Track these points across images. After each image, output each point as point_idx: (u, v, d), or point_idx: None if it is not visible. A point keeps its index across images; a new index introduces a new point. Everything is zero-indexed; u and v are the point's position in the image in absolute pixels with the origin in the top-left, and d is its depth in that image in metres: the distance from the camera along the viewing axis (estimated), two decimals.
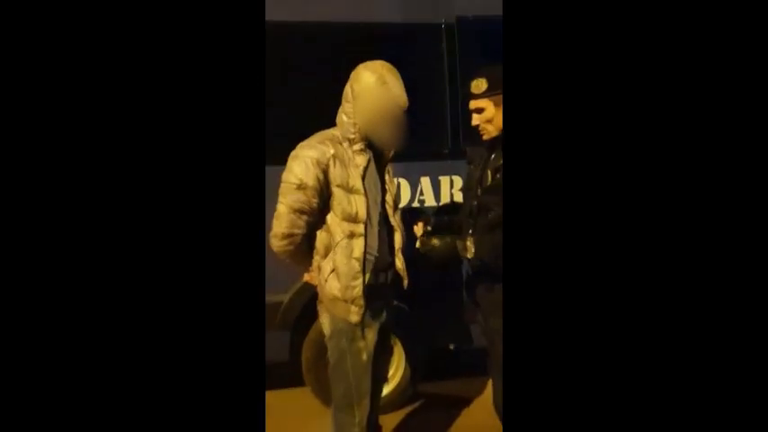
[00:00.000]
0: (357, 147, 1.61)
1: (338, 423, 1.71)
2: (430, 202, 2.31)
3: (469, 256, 1.65)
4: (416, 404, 2.48)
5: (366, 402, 1.72)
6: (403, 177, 2.28)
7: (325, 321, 1.69)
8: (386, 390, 2.41)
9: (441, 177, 2.31)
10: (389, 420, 2.33)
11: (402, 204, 2.27)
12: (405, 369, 2.42)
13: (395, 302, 2.30)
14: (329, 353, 1.70)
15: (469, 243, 1.64)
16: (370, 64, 1.59)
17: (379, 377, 1.89)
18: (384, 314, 1.74)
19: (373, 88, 1.55)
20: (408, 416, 2.41)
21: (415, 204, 2.31)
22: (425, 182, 2.31)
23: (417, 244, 1.79)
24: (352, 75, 1.59)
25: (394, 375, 2.45)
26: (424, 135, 2.21)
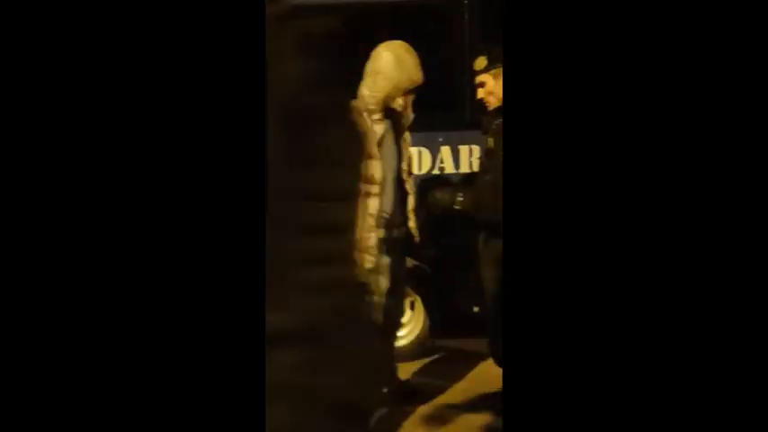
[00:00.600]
0: (376, 117, 1.82)
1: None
2: (450, 170, 2.48)
3: (458, 207, 1.86)
4: (434, 356, 2.69)
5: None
6: (424, 147, 2.46)
7: None
8: (404, 341, 2.66)
9: (460, 147, 2.47)
10: (407, 368, 2.56)
11: (423, 171, 2.46)
12: (424, 324, 2.64)
13: (418, 263, 2.55)
14: None
15: (460, 198, 1.85)
16: (390, 44, 1.80)
17: (392, 321, 2.14)
18: (396, 266, 1.97)
19: (392, 66, 1.75)
20: (425, 366, 2.64)
21: (435, 172, 2.49)
22: (446, 150, 2.48)
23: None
24: (373, 53, 1.80)
25: (413, 329, 2.68)
26: (445, 106, 2.37)
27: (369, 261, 1.85)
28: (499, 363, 1.96)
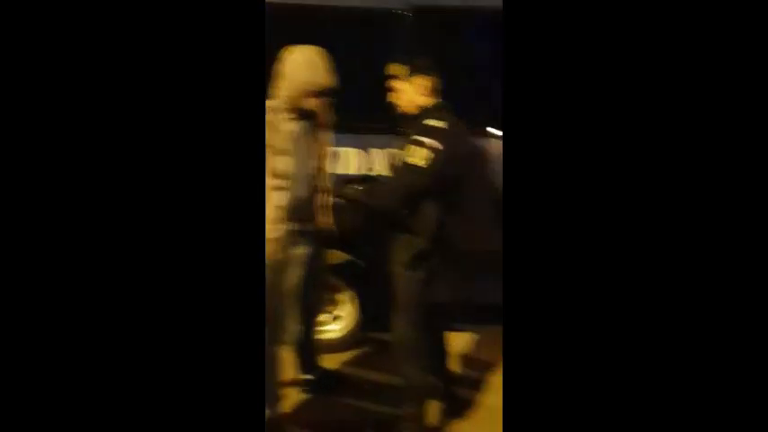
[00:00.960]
0: (287, 116, 1.96)
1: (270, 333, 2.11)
2: (379, 170, 2.63)
3: (356, 197, 2.07)
4: (364, 348, 2.82)
5: (284, 325, 2.16)
6: (355, 148, 2.62)
7: None
8: (336, 333, 2.80)
9: (389, 149, 2.62)
10: (336, 358, 2.69)
11: (352, 171, 2.62)
12: (357, 318, 2.78)
13: (352, 259, 2.69)
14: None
15: (358, 188, 2.07)
16: (298, 47, 1.95)
17: (309, 310, 2.31)
18: (306, 257, 2.12)
19: (298, 69, 1.90)
20: (354, 357, 2.77)
21: (363, 172, 2.65)
22: (375, 153, 2.63)
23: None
24: (283, 55, 1.95)
25: (347, 323, 2.81)
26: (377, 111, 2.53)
27: (275, 252, 2.00)
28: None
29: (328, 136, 2.18)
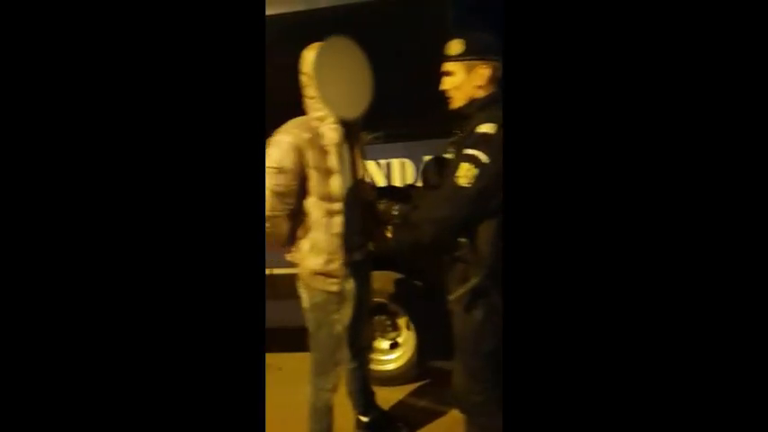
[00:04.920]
0: (329, 122, 1.68)
1: (314, 386, 1.86)
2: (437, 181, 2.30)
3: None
4: (425, 381, 2.52)
5: (339, 369, 1.87)
6: (407, 158, 2.30)
7: (303, 295, 1.81)
8: (393, 364, 2.51)
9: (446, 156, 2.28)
10: (394, 393, 2.41)
11: (407, 183, 2.29)
12: (414, 346, 2.47)
13: (407, 278, 2.39)
14: (307, 323, 1.82)
15: (395, 210, 1.73)
16: (315, 45, 1.65)
17: (361, 346, 2.03)
18: (359, 291, 1.83)
19: (321, 62, 1.60)
20: (415, 390, 2.47)
21: (419, 183, 2.31)
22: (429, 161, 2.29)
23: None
24: (301, 61, 1.67)
25: (405, 351, 2.52)
26: (424, 114, 2.20)
27: (335, 284, 1.74)
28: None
29: (360, 148, 1.87)
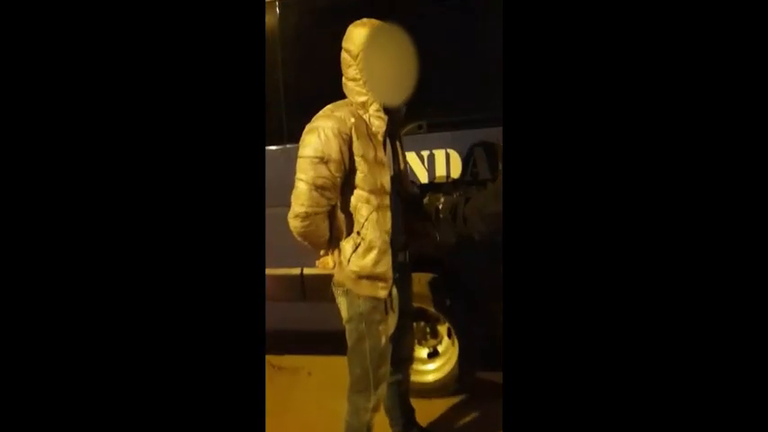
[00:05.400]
0: (373, 108, 1.46)
1: (352, 404, 1.65)
2: (486, 174, 2.06)
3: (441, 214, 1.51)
4: (467, 394, 2.30)
5: (383, 387, 1.65)
6: (452, 149, 2.07)
7: (342, 304, 1.61)
8: (432, 375, 2.30)
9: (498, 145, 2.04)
10: (434, 407, 2.20)
11: (454, 177, 2.07)
12: (457, 356, 2.25)
13: (456, 284, 2.17)
14: (347, 335, 1.62)
15: (440, 204, 1.53)
16: (359, 22, 1.45)
17: (404, 358, 1.81)
18: (402, 296, 1.63)
19: (371, 43, 1.39)
20: (458, 404, 2.26)
21: (468, 178, 2.08)
22: (479, 153, 2.05)
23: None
24: (345, 37, 1.45)
25: (445, 358, 2.30)
26: (471, 99, 1.97)
27: (383, 289, 1.54)
28: None
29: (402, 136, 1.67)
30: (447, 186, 1.83)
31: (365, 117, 1.48)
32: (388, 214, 1.51)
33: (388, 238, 1.51)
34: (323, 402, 2.27)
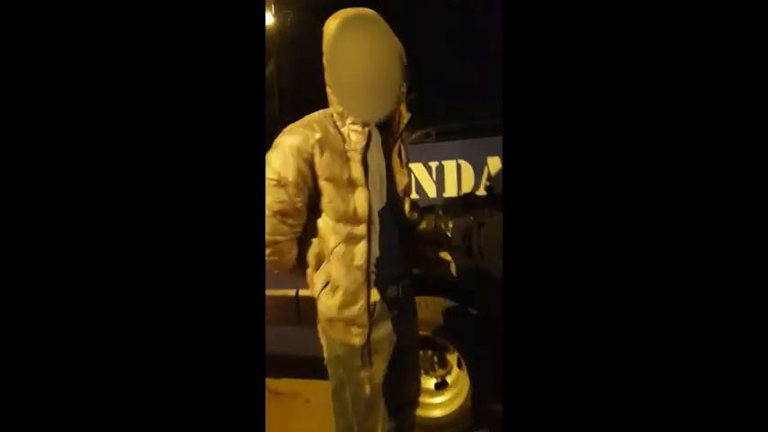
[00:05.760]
0: (349, 120, 1.23)
1: None
2: (500, 189, 1.84)
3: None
4: (485, 430, 2.07)
5: None
6: (463, 159, 1.84)
7: (323, 342, 1.40)
8: (440, 410, 2.08)
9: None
10: None
11: (466, 191, 1.84)
12: (467, 388, 2.03)
13: (458, 305, 1.95)
14: (329, 378, 1.41)
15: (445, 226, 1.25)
16: (340, 12, 1.21)
17: (407, 402, 1.56)
18: (400, 335, 1.39)
19: (338, 40, 1.16)
20: None
21: (481, 192, 1.85)
22: (494, 163, 1.83)
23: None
24: (325, 31, 1.22)
25: (455, 390, 2.08)
26: (481, 105, 1.75)
27: (358, 335, 1.31)
28: None
29: (402, 145, 1.39)
30: (457, 204, 1.61)
31: (342, 130, 1.25)
32: (362, 247, 1.26)
33: (361, 277, 1.27)
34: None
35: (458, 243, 1.28)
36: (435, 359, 2.12)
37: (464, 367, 2.05)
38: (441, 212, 1.41)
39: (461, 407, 2.04)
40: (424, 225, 1.33)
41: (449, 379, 2.13)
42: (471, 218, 1.40)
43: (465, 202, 1.55)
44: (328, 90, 1.24)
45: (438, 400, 2.10)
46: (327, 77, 1.22)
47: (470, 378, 2.01)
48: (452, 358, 2.12)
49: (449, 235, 1.32)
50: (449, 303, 1.95)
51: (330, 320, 1.32)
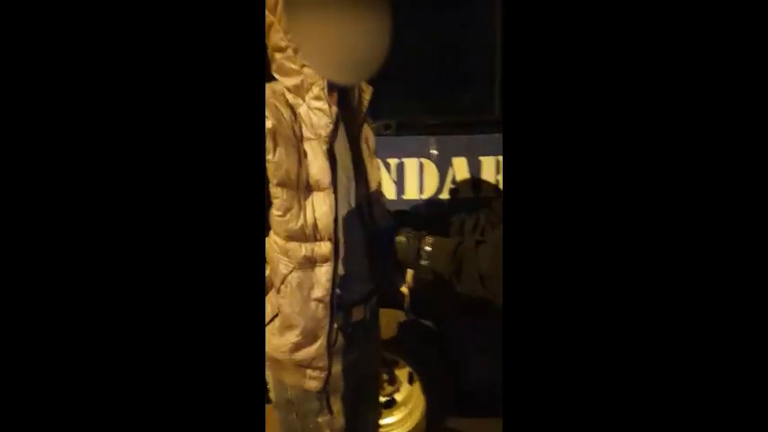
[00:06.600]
0: (312, 95, 0.95)
1: None
2: (466, 192, 1.66)
3: (424, 262, 1.04)
4: None
5: None
6: (426, 158, 1.65)
7: (268, 381, 1.15)
8: (399, 429, 1.89)
9: (481, 158, 1.64)
10: None
11: (424, 196, 1.65)
12: (421, 404, 1.86)
13: (414, 318, 1.77)
14: (277, 422, 1.16)
15: (427, 248, 1.04)
16: None
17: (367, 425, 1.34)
18: (362, 365, 1.17)
19: (330, 13, 0.87)
20: None
21: (444, 196, 1.67)
22: (459, 163, 1.65)
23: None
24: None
25: (408, 409, 1.90)
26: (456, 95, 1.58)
27: (315, 379, 1.06)
28: None
29: (371, 130, 1.15)
30: (438, 210, 1.36)
31: (299, 111, 0.97)
32: (325, 271, 1.00)
33: (322, 311, 1.02)
34: None
35: (442, 268, 1.02)
36: (385, 376, 1.92)
37: (415, 383, 1.88)
38: (414, 228, 1.15)
39: (417, 426, 1.86)
40: (398, 239, 1.09)
41: (398, 397, 1.95)
42: (463, 230, 1.16)
43: (449, 207, 1.32)
44: (278, 57, 0.96)
45: (390, 420, 1.91)
46: (279, 38, 0.94)
47: (425, 395, 1.84)
48: (402, 374, 1.94)
49: (423, 255, 1.06)
50: (404, 317, 1.76)
51: (278, 361, 1.08)
